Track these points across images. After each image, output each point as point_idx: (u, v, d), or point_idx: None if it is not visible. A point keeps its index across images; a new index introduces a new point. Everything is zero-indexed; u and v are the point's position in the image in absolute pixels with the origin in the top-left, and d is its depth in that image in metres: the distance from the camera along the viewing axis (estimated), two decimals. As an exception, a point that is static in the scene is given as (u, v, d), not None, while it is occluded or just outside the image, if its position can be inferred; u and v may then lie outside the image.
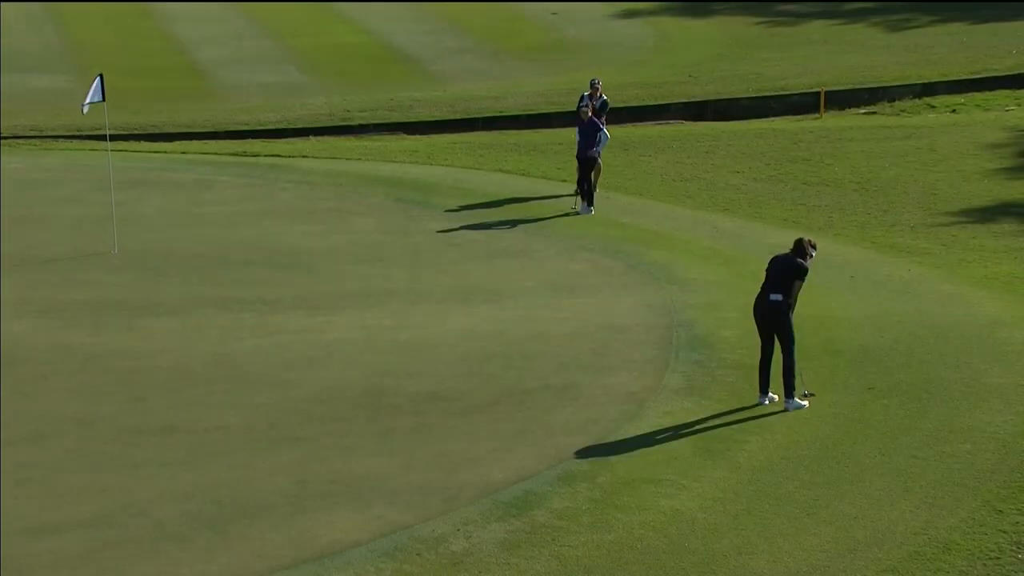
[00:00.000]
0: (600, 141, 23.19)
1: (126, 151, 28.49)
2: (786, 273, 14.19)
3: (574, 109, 24.82)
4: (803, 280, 14.23)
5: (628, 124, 31.00)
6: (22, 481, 12.64)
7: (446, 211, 23.49)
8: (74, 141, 30.50)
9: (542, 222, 22.68)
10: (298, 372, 15.51)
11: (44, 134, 31.02)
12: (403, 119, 32.24)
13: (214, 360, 15.97)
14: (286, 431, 13.80)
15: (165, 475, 12.72)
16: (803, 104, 33.02)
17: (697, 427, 13.75)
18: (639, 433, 13.58)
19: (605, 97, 24.29)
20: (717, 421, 13.91)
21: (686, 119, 32.16)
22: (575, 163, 23.75)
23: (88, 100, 20.55)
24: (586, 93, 24.24)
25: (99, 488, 12.47)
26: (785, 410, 14.15)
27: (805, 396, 14.32)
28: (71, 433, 13.81)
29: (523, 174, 26.54)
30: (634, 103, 32.64)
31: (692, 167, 26.79)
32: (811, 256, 14.32)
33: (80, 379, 15.44)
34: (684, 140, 29.05)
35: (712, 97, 33.40)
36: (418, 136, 30.97)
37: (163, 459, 13.11)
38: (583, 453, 13.10)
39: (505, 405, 14.40)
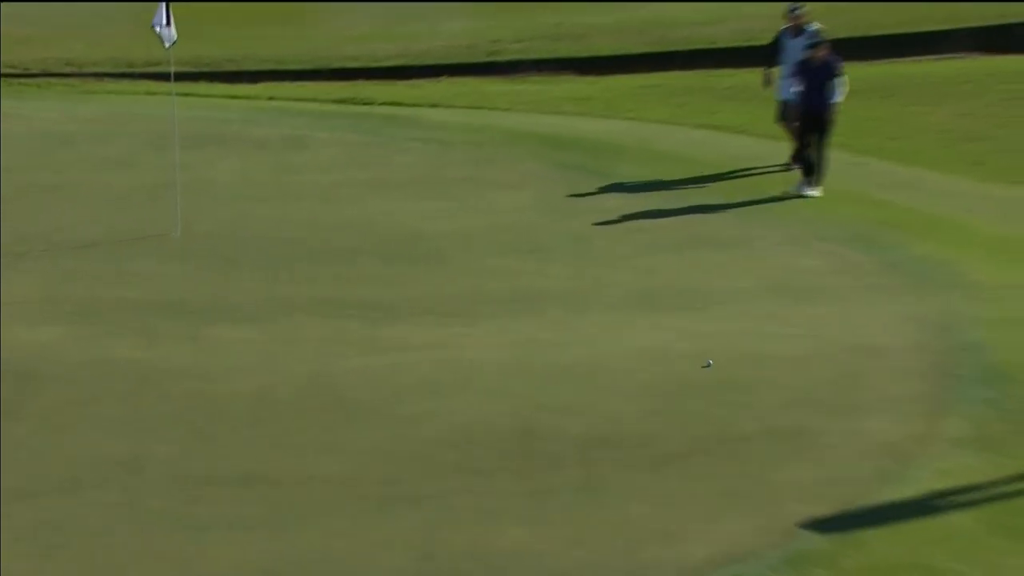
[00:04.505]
0: (837, 91, 22.84)
1: (193, 95, 29.09)
2: None
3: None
4: None
5: (888, 60, 30.61)
6: (51, 548, 12.96)
7: (628, 183, 23.46)
8: (124, 81, 31.18)
9: (763, 202, 22.52)
10: (422, 405, 15.66)
11: (84, 71, 31.78)
12: (572, 53, 32.37)
13: (308, 385, 16.21)
14: (405, 486, 13.95)
15: (240, 541, 12.95)
16: None
17: (989, 494, 13.56)
18: (902, 499, 13.44)
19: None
20: (1019, 486, 13.66)
21: (978, 52, 31.63)
22: (787, 123, 23.56)
23: (159, 27, 20.65)
24: (785, 26, 23.95)
25: (152, 556, 12.74)
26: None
27: None
28: (116, 481, 14.13)
29: (739, 131, 26.37)
30: (896, 29, 32.18)
31: (986, 121, 26.38)
32: None
33: (128, 408, 15.79)
34: (977, 83, 28.60)
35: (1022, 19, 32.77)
36: (592, 77, 31.08)
37: (237, 519, 13.34)
38: (821, 526, 13.02)
39: (709, 456, 14.38)
